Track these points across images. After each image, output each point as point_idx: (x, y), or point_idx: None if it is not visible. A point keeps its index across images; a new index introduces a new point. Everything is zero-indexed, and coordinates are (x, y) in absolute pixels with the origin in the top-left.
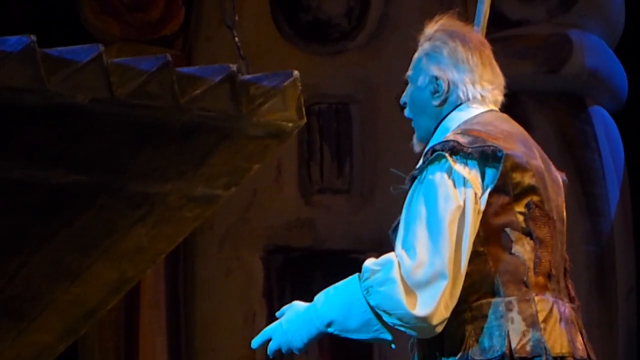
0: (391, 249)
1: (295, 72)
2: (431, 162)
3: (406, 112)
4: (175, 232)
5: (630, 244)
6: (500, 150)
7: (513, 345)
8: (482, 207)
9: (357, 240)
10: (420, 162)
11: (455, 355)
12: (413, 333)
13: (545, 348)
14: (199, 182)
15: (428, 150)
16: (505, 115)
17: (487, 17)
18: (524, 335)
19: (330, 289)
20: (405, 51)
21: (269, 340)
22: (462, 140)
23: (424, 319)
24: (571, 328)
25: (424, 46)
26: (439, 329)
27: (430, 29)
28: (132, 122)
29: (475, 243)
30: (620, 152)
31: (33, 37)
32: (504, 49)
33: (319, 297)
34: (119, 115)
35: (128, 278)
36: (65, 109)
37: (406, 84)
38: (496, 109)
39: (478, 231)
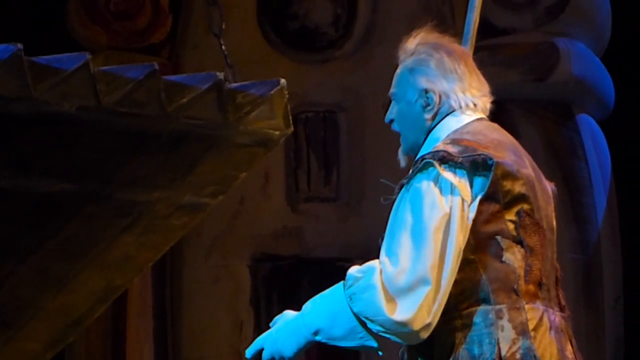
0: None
1: (282, 80)
2: (420, 170)
3: (394, 126)
4: (162, 241)
5: (617, 252)
6: (490, 159)
7: (503, 353)
8: (472, 215)
9: (345, 249)
10: (410, 171)
11: None
12: (397, 339)
13: (535, 356)
14: (186, 190)
15: (417, 159)
16: (495, 124)
17: (476, 26)
18: (513, 343)
19: (317, 297)
20: (393, 60)
21: (262, 349)
22: (452, 150)
23: (404, 324)
24: (561, 337)
25: (406, 62)
26: (424, 334)
27: (411, 43)
28: (119, 131)
29: (465, 251)
30: (607, 160)
31: (20, 46)
32: (491, 57)
33: (307, 305)
34: (106, 123)
35: (115, 286)
36: (52, 117)
37: (390, 101)
38: (485, 117)
39: (468, 239)
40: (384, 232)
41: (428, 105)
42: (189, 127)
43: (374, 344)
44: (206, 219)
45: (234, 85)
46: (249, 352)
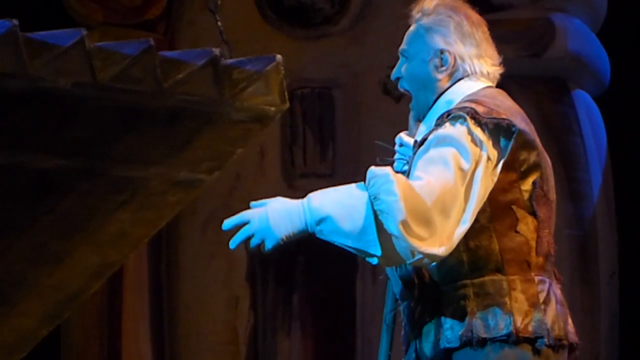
0: None
1: (278, 56)
2: (449, 120)
3: (402, 84)
4: (158, 217)
5: (612, 228)
6: (514, 126)
7: (517, 325)
8: (496, 178)
9: None
10: (435, 125)
11: (458, 331)
12: (404, 252)
13: (547, 329)
14: (181, 166)
15: (442, 115)
16: (504, 92)
17: None
18: (526, 315)
19: (330, 189)
20: (389, 35)
21: (244, 224)
22: (478, 108)
23: (420, 239)
24: (564, 311)
25: (423, 20)
26: (429, 259)
27: (429, 3)
28: (115, 107)
29: (481, 218)
30: (603, 136)
31: (15, 21)
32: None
33: (315, 194)
34: (102, 99)
35: (111, 263)
36: (47, 93)
37: (397, 58)
38: (491, 84)
39: (484, 206)
40: None
41: (442, 66)
42: (184, 103)
43: (378, 251)
44: (202, 195)
45: (230, 61)
46: (229, 223)
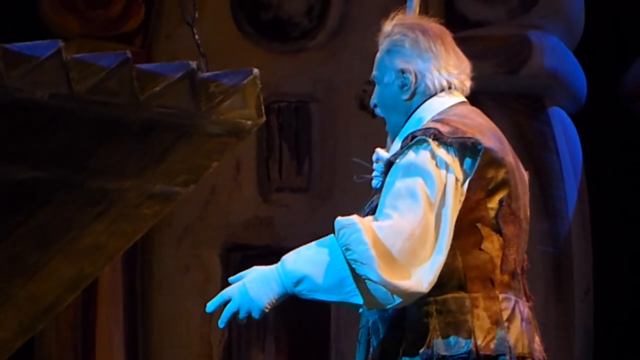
0: None
1: (255, 70)
2: (412, 145)
3: (377, 111)
4: (133, 229)
5: (587, 245)
6: (480, 144)
7: (478, 343)
8: (463, 198)
9: (316, 239)
10: (398, 147)
11: (419, 349)
12: (384, 296)
13: (509, 347)
14: (157, 179)
15: (407, 136)
16: (477, 110)
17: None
18: (488, 332)
19: (300, 248)
20: (366, 50)
21: (226, 303)
22: (442, 129)
23: (399, 283)
24: (530, 328)
25: (384, 44)
26: (412, 298)
27: (388, 26)
28: (91, 119)
29: None
30: (579, 153)
31: None
32: (464, 49)
33: (288, 256)
34: (78, 111)
35: (86, 275)
36: (24, 104)
37: (373, 85)
38: (465, 100)
39: None
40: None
41: (405, 85)
42: (161, 116)
43: (359, 300)
44: (177, 208)
45: (207, 74)
46: (212, 304)
